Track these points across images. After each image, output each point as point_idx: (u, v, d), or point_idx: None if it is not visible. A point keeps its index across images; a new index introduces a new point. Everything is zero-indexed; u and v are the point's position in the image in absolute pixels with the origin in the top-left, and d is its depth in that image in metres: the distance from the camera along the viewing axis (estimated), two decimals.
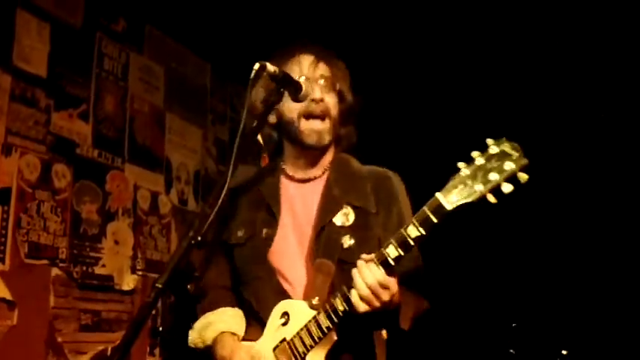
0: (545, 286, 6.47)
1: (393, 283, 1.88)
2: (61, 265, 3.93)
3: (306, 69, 2.22)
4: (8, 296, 3.56)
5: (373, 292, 1.84)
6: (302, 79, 2.08)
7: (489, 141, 1.77)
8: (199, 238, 1.63)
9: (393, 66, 5.84)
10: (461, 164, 1.79)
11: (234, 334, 2.18)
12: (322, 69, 2.24)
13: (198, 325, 2.26)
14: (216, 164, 5.66)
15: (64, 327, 3.92)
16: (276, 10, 5.09)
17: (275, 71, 1.95)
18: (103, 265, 4.24)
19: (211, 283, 2.36)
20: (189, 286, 1.47)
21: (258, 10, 5.09)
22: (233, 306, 2.27)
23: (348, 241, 2.12)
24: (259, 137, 2.16)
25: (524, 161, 1.72)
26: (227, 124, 5.87)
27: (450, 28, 5.32)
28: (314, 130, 2.19)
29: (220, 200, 1.71)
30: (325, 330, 1.95)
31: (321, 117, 2.20)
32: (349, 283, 1.88)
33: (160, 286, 1.52)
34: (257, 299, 2.20)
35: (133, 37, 4.84)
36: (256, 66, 1.93)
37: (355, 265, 1.89)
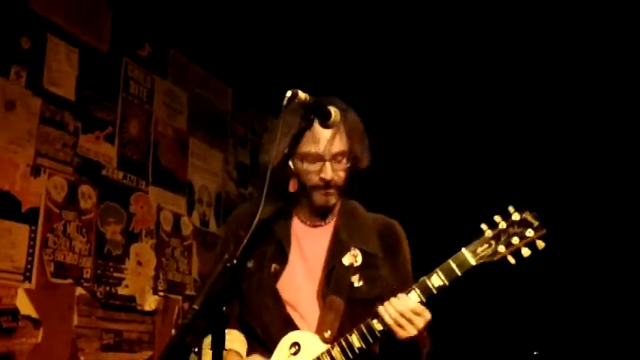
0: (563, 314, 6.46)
1: (426, 311, 2.04)
2: (85, 284, 4.00)
3: (323, 145, 2.22)
4: (34, 314, 3.62)
5: (408, 319, 2.01)
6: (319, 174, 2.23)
7: (511, 208, 2.06)
8: (234, 262, 1.68)
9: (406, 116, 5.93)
10: (484, 226, 2.07)
11: (237, 352, 2.22)
12: (337, 146, 2.24)
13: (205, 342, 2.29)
14: (237, 187, 5.73)
15: (86, 346, 3.97)
16: (296, 39, 5.17)
17: (306, 98, 2.00)
18: (126, 286, 4.30)
19: None
20: (224, 308, 1.51)
21: (279, 37, 5.18)
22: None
23: (357, 281, 2.24)
24: (290, 163, 2.19)
25: (543, 231, 2.01)
26: (248, 147, 5.95)
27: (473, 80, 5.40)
28: (322, 198, 2.29)
29: (254, 225, 1.75)
30: None
31: (329, 190, 2.28)
32: (358, 322, 2.06)
33: (196, 307, 1.56)
34: (262, 327, 2.24)
35: (157, 62, 4.94)
36: (288, 93, 1.97)
37: (365, 303, 2.14)
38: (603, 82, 5.38)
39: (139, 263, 4.44)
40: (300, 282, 2.28)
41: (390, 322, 2.02)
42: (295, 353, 2.13)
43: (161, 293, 4.59)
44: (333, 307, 2.18)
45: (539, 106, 5.74)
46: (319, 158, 2.22)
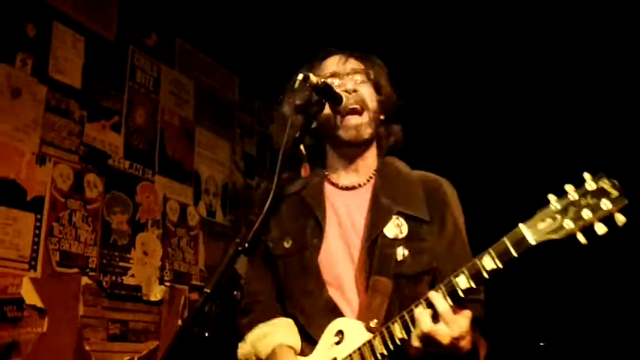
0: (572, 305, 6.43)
1: (456, 326, 1.72)
2: (90, 274, 3.97)
3: (335, 65, 2.16)
4: (39, 304, 3.60)
5: (430, 337, 1.72)
6: (339, 89, 2.06)
7: (587, 175, 1.61)
8: (246, 245, 1.63)
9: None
10: (551, 197, 1.65)
11: (291, 347, 2.05)
12: (353, 63, 2.18)
13: (251, 337, 2.12)
14: (244, 177, 5.69)
15: (92, 336, 3.94)
16: (304, 28, 5.13)
17: (318, 82, 1.95)
18: (132, 276, 4.27)
19: (258, 296, 2.22)
20: (235, 293, 1.47)
21: (287, 26, 5.13)
22: (281, 316, 2.15)
23: (401, 254, 1.99)
24: (301, 147, 2.13)
25: (624, 202, 1.57)
26: (255, 138, 5.91)
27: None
28: (352, 124, 2.10)
29: (266, 209, 1.70)
30: (379, 356, 1.83)
31: (359, 111, 2.11)
32: (406, 303, 1.80)
33: (208, 291, 1.53)
34: (304, 314, 2.07)
35: (164, 51, 4.91)
36: (300, 76, 1.93)
37: (411, 278, 1.89)
38: None
39: (145, 253, 4.41)
40: (340, 258, 2.08)
41: (420, 337, 1.74)
42: (338, 342, 1.95)
43: (167, 283, 4.56)
44: (378, 289, 1.95)
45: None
46: (334, 75, 2.11)
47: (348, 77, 2.14)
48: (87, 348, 3.89)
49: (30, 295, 3.55)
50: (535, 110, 6.01)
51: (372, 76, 2.18)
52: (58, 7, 3.99)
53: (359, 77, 2.16)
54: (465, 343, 1.76)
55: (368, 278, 1.99)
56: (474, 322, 1.80)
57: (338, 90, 2.04)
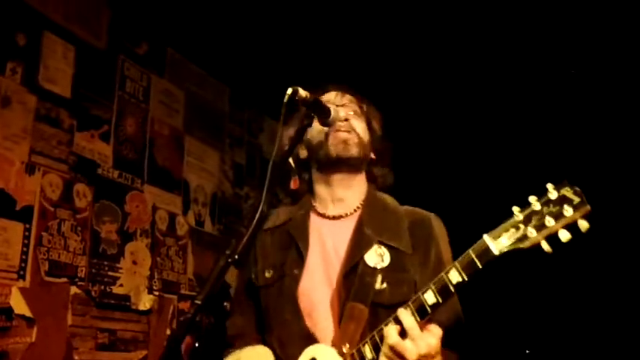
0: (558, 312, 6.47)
1: (437, 330, 1.74)
2: (79, 283, 3.96)
3: (332, 97, 2.22)
4: (28, 313, 3.59)
5: (396, 352, 1.72)
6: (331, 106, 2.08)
7: (549, 185, 1.62)
8: (236, 257, 1.65)
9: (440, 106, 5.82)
10: (515, 208, 1.66)
11: None
12: (348, 98, 2.24)
13: None
14: (233, 187, 5.70)
15: (80, 345, 3.94)
16: (295, 40, 5.15)
17: (306, 96, 1.97)
18: (121, 285, 4.26)
19: (239, 330, 2.27)
20: (225, 304, 1.48)
21: (278, 38, 5.16)
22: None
23: (380, 283, 1.98)
24: (290, 160, 2.15)
25: (587, 208, 1.56)
26: (244, 147, 5.93)
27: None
28: (340, 138, 2.14)
29: (255, 222, 1.72)
30: None
31: (347, 131, 2.15)
32: (380, 329, 1.79)
33: (198, 302, 1.54)
34: (281, 343, 2.07)
35: (154, 61, 4.92)
36: (289, 90, 1.95)
37: (388, 308, 1.83)
38: None
39: (134, 262, 4.41)
40: (319, 286, 2.08)
41: (387, 354, 1.75)
42: None
43: (156, 293, 4.55)
44: (354, 315, 1.94)
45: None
46: (328, 103, 2.10)
47: (341, 108, 2.17)
48: (76, 357, 3.88)
49: (19, 305, 3.54)
50: (498, 123, 6.05)
51: (365, 110, 2.23)
52: (49, 17, 4.00)
53: (352, 110, 2.21)
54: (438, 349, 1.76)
55: (345, 305, 1.98)
56: (449, 337, 1.81)
57: (327, 104, 2.07)
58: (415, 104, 5.81)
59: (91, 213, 4.13)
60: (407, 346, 1.71)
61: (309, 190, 2.31)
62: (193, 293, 4.80)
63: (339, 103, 2.18)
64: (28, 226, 3.68)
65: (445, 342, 1.80)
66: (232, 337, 2.26)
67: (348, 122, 2.15)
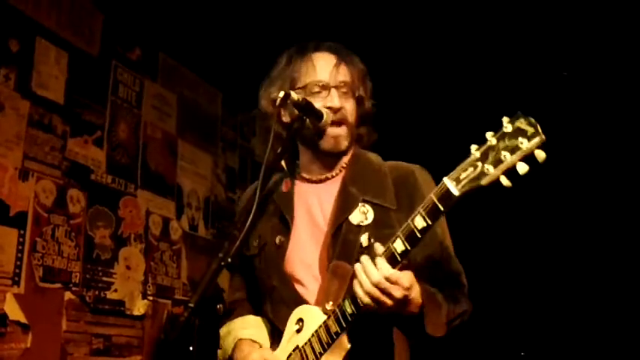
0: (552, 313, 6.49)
1: (405, 278, 1.76)
2: (74, 289, 3.97)
3: (326, 73, 2.13)
4: (23, 319, 3.59)
5: (381, 289, 1.73)
6: (321, 108, 2.08)
7: (504, 119, 1.58)
8: (229, 260, 1.67)
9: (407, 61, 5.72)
10: (473, 146, 1.62)
11: (254, 341, 2.12)
12: (343, 74, 2.16)
13: (220, 335, 2.22)
14: (226, 191, 5.71)
15: (75, 351, 3.94)
16: (287, 45, 5.16)
17: (299, 99, 2.00)
18: (115, 290, 4.27)
19: (229, 299, 2.31)
20: (218, 307, 1.49)
21: (270, 42, 5.16)
22: (254, 314, 2.23)
23: (366, 241, 2.00)
24: (282, 162, 2.17)
25: (542, 138, 1.52)
26: (237, 151, 5.94)
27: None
28: (331, 135, 2.12)
29: (248, 224, 1.74)
30: (334, 335, 1.86)
31: (339, 124, 2.13)
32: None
33: (192, 305, 1.56)
34: (273, 309, 2.14)
35: (147, 66, 4.93)
36: (281, 94, 1.98)
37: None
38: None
39: (128, 267, 4.42)
40: (307, 249, 2.11)
41: (363, 298, 1.75)
42: (299, 330, 1.98)
43: (150, 297, 4.56)
44: (337, 273, 1.95)
45: None
46: (324, 86, 2.11)
47: (336, 90, 2.13)
48: None
49: (13, 311, 3.54)
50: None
51: (357, 93, 2.19)
52: (42, 23, 4.00)
53: (346, 91, 2.17)
54: (415, 295, 1.81)
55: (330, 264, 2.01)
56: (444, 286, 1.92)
57: (319, 106, 2.08)
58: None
59: (85, 218, 4.14)
60: (400, 275, 1.74)
61: (293, 157, 2.32)
62: (187, 298, 4.81)
63: (332, 83, 2.13)
64: (22, 232, 3.69)
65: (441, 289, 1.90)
66: (228, 310, 2.31)
67: (340, 112, 2.13)
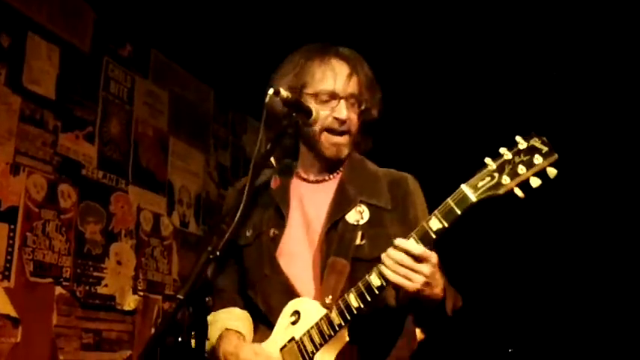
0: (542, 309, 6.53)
1: (432, 255, 1.81)
2: (64, 284, 3.98)
3: (339, 84, 2.16)
4: (13, 313, 3.60)
5: (409, 267, 1.78)
6: (332, 112, 2.13)
7: (518, 137, 1.75)
8: (217, 253, 1.69)
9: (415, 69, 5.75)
10: (487, 159, 1.77)
11: (240, 333, 2.13)
12: (353, 87, 2.19)
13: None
14: (217, 188, 5.73)
15: (65, 345, 3.95)
16: (279, 42, 5.16)
17: (288, 97, 2.02)
18: (106, 285, 4.28)
19: (218, 288, 2.31)
20: (207, 299, 1.52)
21: (263, 40, 5.18)
22: (241, 308, 2.24)
23: (359, 239, 2.08)
24: (272, 159, 2.20)
25: (554, 156, 1.71)
26: (229, 149, 5.96)
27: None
28: (333, 143, 2.18)
29: (236, 219, 1.76)
30: (337, 327, 1.91)
31: (342, 133, 2.18)
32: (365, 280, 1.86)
33: (181, 297, 1.58)
34: (264, 299, 2.16)
35: (138, 62, 4.94)
36: (270, 91, 2.00)
37: (368, 262, 1.92)
38: None
39: (119, 263, 4.43)
40: (300, 244, 2.16)
41: (388, 274, 1.80)
42: (295, 322, 2.02)
43: (141, 293, 4.58)
44: (335, 269, 2.02)
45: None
46: (334, 96, 2.14)
47: (345, 101, 2.16)
48: (61, 358, 3.90)
49: (4, 305, 3.55)
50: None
51: (363, 105, 2.22)
52: (33, 18, 4.01)
53: (354, 103, 2.20)
54: (439, 276, 1.87)
55: (326, 260, 2.07)
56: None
57: (326, 114, 2.13)
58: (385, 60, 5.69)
59: (76, 213, 4.14)
60: (429, 253, 1.80)
61: (292, 154, 2.35)
62: (177, 291, 4.82)
63: (342, 94, 2.16)
64: (12, 226, 3.69)
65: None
66: (214, 300, 2.27)
67: (346, 123, 2.18)
